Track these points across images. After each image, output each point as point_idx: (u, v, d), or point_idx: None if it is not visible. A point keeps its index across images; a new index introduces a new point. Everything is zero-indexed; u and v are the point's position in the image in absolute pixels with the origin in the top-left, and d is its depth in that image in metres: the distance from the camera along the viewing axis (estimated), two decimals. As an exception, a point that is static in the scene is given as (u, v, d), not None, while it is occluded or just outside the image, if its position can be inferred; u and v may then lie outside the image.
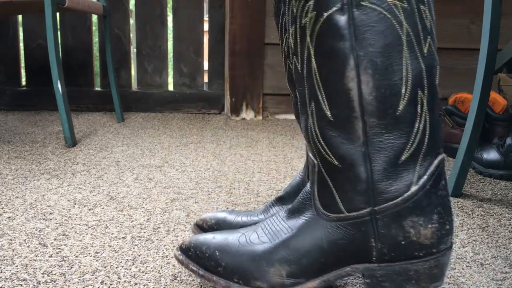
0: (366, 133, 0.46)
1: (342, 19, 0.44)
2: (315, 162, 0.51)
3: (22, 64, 2.00)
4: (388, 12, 0.44)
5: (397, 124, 0.46)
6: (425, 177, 0.47)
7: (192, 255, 0.56)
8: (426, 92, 0.46)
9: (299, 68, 0.50)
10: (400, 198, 0.47)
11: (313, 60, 0.48)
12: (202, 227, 0.71)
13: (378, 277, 0.49)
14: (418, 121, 0.46)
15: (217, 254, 0.54)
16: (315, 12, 0.45)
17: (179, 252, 0.57)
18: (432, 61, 0.46)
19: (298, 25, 0.48)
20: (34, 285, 0.59)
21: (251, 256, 0.52)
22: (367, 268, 0.49)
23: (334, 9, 0.44)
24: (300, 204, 0.53)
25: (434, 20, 0.46)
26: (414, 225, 0.47)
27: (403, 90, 0.45)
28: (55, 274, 0.62)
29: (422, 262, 0.47)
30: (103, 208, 0.87)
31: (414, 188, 0.47)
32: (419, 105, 0.46)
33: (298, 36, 0.49)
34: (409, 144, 0.46)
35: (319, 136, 0.49)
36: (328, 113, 0.48)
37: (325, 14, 0.45)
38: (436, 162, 0.47)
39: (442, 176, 0.48)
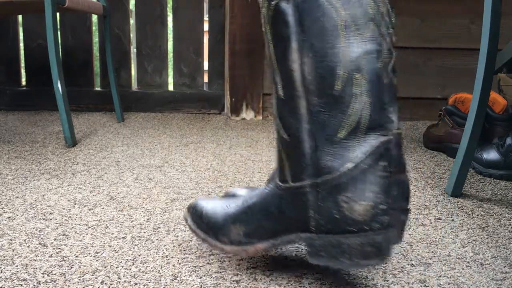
0: (310, 111, 0.51)
1: (287, 7, 0.50)
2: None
3: (22, 64, 2.00)
4: (326, 1, 0.48)
5: (334, 104, 0.50)
6: (362, 156, 0.50)
7: (192, 213, 0.65)
8: (364, 75, 0.49)
9: (266, 52, 0.56)
10: (337, 174, 0.50)
11: (270, 44, 0.53)
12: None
13: (317, 247, 0.53)
14: (354, 102, 0.49)
15: (206, 214, 0.63)
16: (267, 1, 0.51)
17: (187, 209, 0.67)
18: (375, 46, 0.49)
19: (262, 13, 0.54)
20: (34, 285, 0.59)
21: (224, 217, 0.61)
22: (308, 238, 0.54)
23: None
24: (271, 175, 0.60)
25: (383, 8, 0.49)
26: (348, 200, 0.50)
27: (339, 72, 0.49)
28: (55, 274, 0.62)
29: (355, 237, 0.50)
30: (103, 208, 0.87)
31: (349, 165, 0.50)
32: (357, 86, 0.49)
33: (262, 23, 0.55)
34: (345, 123, 0.50)
35: (276, 113, 0.55)
36: (281, 92, 0.53)
37: (273, 3, 0.50)
38: (375, 142, 0.50)
39: (385, 158, 0.50)
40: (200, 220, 0.63)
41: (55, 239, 0.73)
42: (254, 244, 0.58)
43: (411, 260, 0.69)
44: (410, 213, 0.58)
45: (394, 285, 0.62)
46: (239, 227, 0.59)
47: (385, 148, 0.50)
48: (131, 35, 2.01)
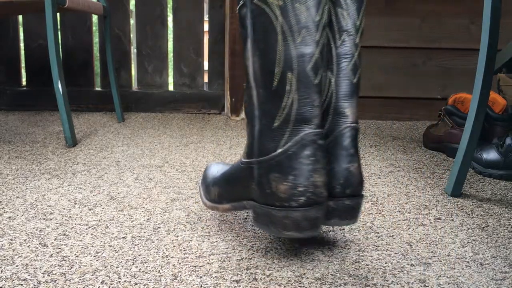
0: (258, 101, 0.62)
1: (244, 12, 0.60)
2: None
3: (23, 64, 2.00)
4: (268, 7, 0.57)
5: (273, 97, 0.60)
6: (289, 143, 0.59)
7: (204, 172, 0.79)
8: (295, 74, 0.58)
9: None
10: (270, 155, 0.61)
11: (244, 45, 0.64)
12: None
13: (257, 214, 0.63)
14: (286, 97, 0.59)
15: (205, 175, 0.77)
16: (237, 7, 0.62)
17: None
18: (306, 49, 0.58)
19: None
20: (34, 285, 0.60)
21: (211, 180, 0.74)
22: (252, 205, 0.64)
23: (240, 3, 0.60)
24: None
25: (320, 18, 0.57)
26: (275, 179, 0.60)
27: (276, 70, 0.58)
28: (55, 274, 0.62)
29: (278, 211, 0.60)
30: (103, 208, 0.87)
31: (279, 150, 0.60)
32: (288, 84, 0.58)
33: None
34: (279, 114, 0.60)
35: (244, 99, 0.66)
36: (245, 84, 0.64)
37: (237, 8, 0.60)
38: (302, 134, 0.59)
39: (309, 148, 0.59)
40: (203, 179, 0.78)
41: (56, 239, 0.73)
42: (222, 204, 0.70)
43: (410, 260, 0.69)
44: (362, 198, 0.67)
45: (394, 284, 0.62)
46: (215, 189, 0.72)
47: (311, 140, 0.59)
48: (131, 35, 2.01)
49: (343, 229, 0.79)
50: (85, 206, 0.88)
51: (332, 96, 0.66)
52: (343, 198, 0.65)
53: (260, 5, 0.58)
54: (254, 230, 0.78)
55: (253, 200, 0.64)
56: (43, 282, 0.60)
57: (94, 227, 0.78)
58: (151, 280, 0.61)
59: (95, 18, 2.17)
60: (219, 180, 0.71)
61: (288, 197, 0.59)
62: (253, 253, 0.70)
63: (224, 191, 0.70)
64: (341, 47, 0.64)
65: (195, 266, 0.65)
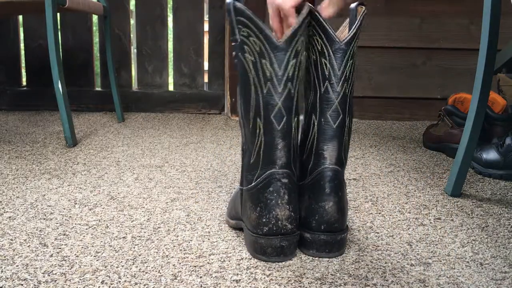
0: (245, 137, 0.71)
1: (236, 62, 0.68)
2: None
3: (23, 64, 2.00)
4: (245, 62, 0.66)
5: (251, 137, 0.69)
6: (259, 179, 0.68)
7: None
8: (262, 121, 0.67)
9: None
10: (248, 186, 0.70)
11: None
12: None
13: (244, 233, 0.73)
14: (257, 139, 0.68)
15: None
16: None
17: None
18: (270, 100, 0.66)
19: None
20: (34, 285, 0.60)
21: (230, 198, 0.85)
22: (242, 225, 0.74)
23: (234, 54, 0.68)
24: None
25: (279, 71, 0.65)
26: (250, 208, 0.69)
27: (251, 115, 0.67)
28: (55, 273, 0.63)
29: (250, 235, 0.69)
30: (103, 208, 0.87)
31: (253, 183, 0.69)
32: (258, 128, 0.67)
33: None
34: (253, 152, 0.69)
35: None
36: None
37: (233, 53, 0.68)
38: (267, 172, 0.67)
39: (273, 185, 0.67)
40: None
41: (56, 239, 0.73)
42: (230, 220, 0.79)
43: (410, 259, 0.69)
44: (340, 234, 0.70)
45: (394, 284, 0.62)
46: (228, 206, 0.81)
47: (274, 178, 0.67)
48: (132, 35, 2.01)
49: (343, 229, 0.79)
50: (85, 206, 0.88)
51: (314, 138, 0.72)
52: (319, 232, 0.69)
53: (241, 59, 0.67)
54: (254, 230, 0.78)
55: (242, 221, 0.74)
56: (43, 282, 0.60)
57: (94, 227, 0.78)
58: (151, 280, 0.61)
59: (95, 18, 2.17)
60: (230, 199, 0.81)
61: (256, 225, 0.68)
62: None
63: (230, 209, 0.80)
64: (324, 94, 0.70)
65: (195, 266, 0.65)
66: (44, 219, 0.81)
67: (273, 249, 0.67)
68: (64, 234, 0.75)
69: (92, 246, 0.71)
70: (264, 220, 0.67)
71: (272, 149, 0.67)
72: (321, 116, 0.70)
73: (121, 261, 0.66)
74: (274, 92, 0.66)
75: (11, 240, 0.72)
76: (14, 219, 0.81)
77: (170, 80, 2.03)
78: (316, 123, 0.71)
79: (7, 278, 0.61)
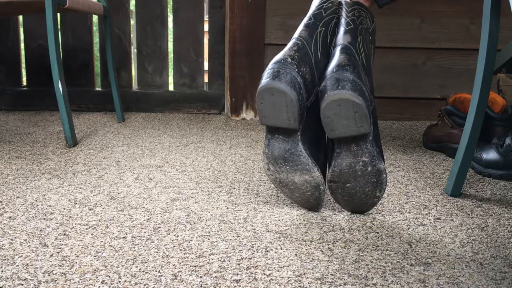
0: None
1: None
2: None
3: (23, 64, 2.00)
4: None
5: None
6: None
7: None
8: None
9: None
10: None
11: None
12: None
13: None
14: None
15: None
16: None
17: None
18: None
19: None
20: (34, 285, 0.60)
21: None
22: None
23: None
24: None
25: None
26: None
27: None
28: (55, 273, 0.63)
29: None
30: (103, 208, 0.87)
31: None
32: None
33: None
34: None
35: None
36: None
37: None
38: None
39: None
40: None
41: (56, 238, 0.73)
42: None
43: (410, 259, 0.69)
44: (350, 73, 0.81)
45: (394, 284, 0.62)
46: None
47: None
48: (132, 35, 2.01)
49: (343, 229, 0.80)
50: (85, 206, 0.88)
51: (331, 43, 0.89)
52: (329, 75, 0.79)
53: None
54: (254, 230, 0.78)
55: None
56: (44, 282, 0.60)
57: (95, 227, 0.78)
58: (151, 280, 0.61)
59: (95, 18, 2.17)
60: None
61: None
62: (253, 253, 0.70)
63: None
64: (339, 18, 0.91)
65: (195, 266, 0.65)
66: (44, 219, 0.81)
67: (270, 73, 0.79)
68: (64, 234, 0.75)
69: (92, 246, 0.71)
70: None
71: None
72: (336, 26, 0.89)
73: (121, 261, 0.66)
74: None
75: (11, 240, 0.72)
76: (14, 219, 0.81)
77: (170, 80, 2.03)
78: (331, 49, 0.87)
79: (7, 278, 0.61)
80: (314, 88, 0.83)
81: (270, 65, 0.80)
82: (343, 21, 0.88)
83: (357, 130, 0.77)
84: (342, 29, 0.87)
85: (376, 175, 0.80)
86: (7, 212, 0.84)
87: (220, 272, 0.64)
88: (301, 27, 0.87)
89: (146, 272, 0.63)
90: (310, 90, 0.82)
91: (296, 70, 0.79)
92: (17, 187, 0.97)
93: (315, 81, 0.83)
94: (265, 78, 0.79)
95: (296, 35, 0.85)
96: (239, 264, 0.66)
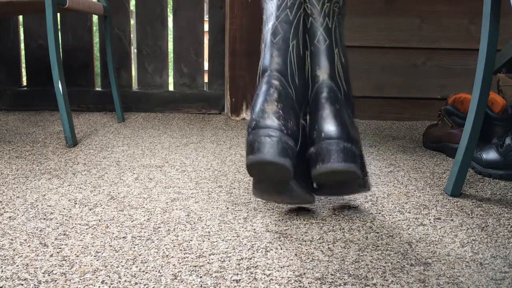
0: None
1: None
2: None
3: (23, 64, 2.00)
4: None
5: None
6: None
7: None
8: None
9: None
10: None
11: None
12: None
13: None
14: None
15: None
16: None
17: None
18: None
19: None
20: (34, 285, 0.60)
21: None
22: None
23: None
24: None
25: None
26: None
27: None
28: (55, 273, 0.63)
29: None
30: (103, 208, 0.87)
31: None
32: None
33: None
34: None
35: None
36: None
37: None
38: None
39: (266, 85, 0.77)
40: None
41: (56, 238, 0.73)
42: None
43: (410, 259, 0.69)
44: (341, 141, 0.74)
45: (394, 284, 0.62)
46: None
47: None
48: (132, 35, 2.01)
49: (343, 229, 0.80)
50: (85, 206, 0.88)
51: (309, 67, 0.79)
52: (320, 142, 0.72)
53: None
54: (254, 230, 0.78)
55: None
56: (44, 282, 0.60)
57: (95, 227, 0.78)
58: (151, 280, 0.61)
59: (95, 18, 2.17)
60: None
61: (248, 123, 0.75)
62: (253, 253, 0.70)
63: None
64: (310, 29, 0.80)
65: (195, 266, 0.65)
66: (44, 219, 0.81)
67: (259, 143, 0.69)
68: (64, 234, 0.75)
69: (92, 246, 0.71)
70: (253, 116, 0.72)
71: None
72: (310, 45, 0.79)
73: (121, 261, 0.66)
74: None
75: (11, 240, 0.72)
76: (14, 219, 0.81)
77: (170, 80, 2.03)
78: (308, 54, 0.79)
79: (7, 278, 0.61)
80: (299, 127, 0.76)
81: (254, 131, 0.71)
82: (318, 33, 0.79)
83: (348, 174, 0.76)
84: (318, 49, 0.79)
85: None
86: (7, 212, 0.84)
87: (220, 272, 0.64)
88: (269, 47, 0.77)
89: (146, 272, 0.63)
90: (297, 134, 0.75)
91: (285, 131, 0.71)
92: (17, 187, 0.97)
93: (299, 120, 0.76)
94: (252, 151, 0.71)
95: (268, 65, 0.75)
96: (239, 264, 0.66)
